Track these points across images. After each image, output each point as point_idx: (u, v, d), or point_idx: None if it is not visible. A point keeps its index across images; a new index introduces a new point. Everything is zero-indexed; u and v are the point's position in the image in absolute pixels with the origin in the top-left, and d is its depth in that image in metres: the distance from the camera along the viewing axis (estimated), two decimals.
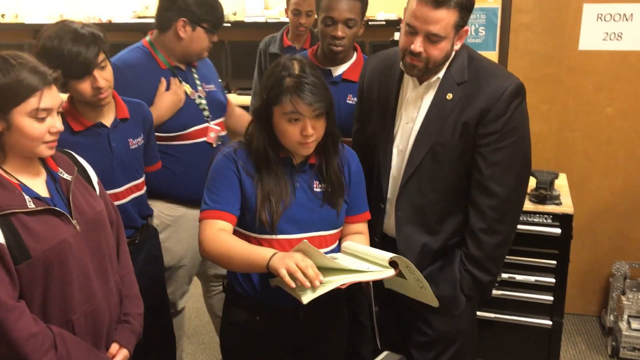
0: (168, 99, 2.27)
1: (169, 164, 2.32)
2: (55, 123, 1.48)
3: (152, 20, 4.98)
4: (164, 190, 2.35)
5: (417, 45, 1.72)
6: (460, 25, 1.73)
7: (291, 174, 1.73)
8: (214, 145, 2.35)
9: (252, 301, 1.75)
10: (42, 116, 1.44)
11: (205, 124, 2.36)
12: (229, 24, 4.70)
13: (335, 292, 1.62)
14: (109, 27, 4.89)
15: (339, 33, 2.18)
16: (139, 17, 4.93)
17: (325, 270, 1.56)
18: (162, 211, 2.38)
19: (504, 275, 2.51)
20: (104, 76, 1.86)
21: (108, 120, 1.99)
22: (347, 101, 2.28)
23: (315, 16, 3.65)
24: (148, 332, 2.20)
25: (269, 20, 4.70)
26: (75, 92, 1.88)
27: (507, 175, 1.80)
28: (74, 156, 1.68)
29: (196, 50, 2.32)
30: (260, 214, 1.67)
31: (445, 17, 1.68)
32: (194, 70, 2.40)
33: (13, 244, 1.40)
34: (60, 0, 5.06)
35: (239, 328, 1.79)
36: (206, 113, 2.37)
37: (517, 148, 1.81)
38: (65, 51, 1.78)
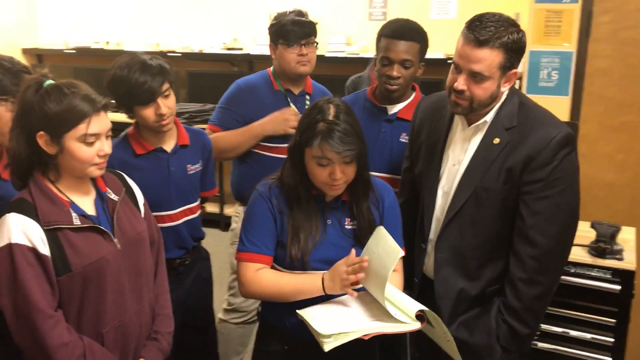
0: (274, 116, 2.50)
1: (261, 171, 2.46)
2: (104, 147, 1.58)
3: (240, 52, 5.24)
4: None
5: (460, 83, 1.73)
6: (506, 67, 1.72)
7: (323, 211, 1.76)
8: None
9: (281, 332, 1.79)
10: (90, 141, 1.54)
11: None
12: None
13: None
14: (200, 57, 5.19)
15: (395, 73, 2.22)
16: (228, 49, 5.18)
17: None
18: None
19: (557, 329, 2.39)
20: (167, 104, 1.99)
21: (169, 146, 2.12)
22: (400, 139, 2.30)
23: None
24: (193, 351, 2.29)
25: (349, 56, 4.81)
26: (140, 118, 2.02)
27: (550, 225, 1.75)
28: (123, 177, 1.80)
29: (285, 66, 2.52)
30: (290, 249, 1.71)
31: (488, 57, 1.69)
32: (307, 96, 2.61)
33: (57, 257, 1.51)
34: (158, 31, 5.43)
35: (269, 356, 1.84)
36: None
37: (563, 198, 1.75)
38: (133, 80, 1.93)
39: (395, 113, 2.32)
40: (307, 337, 1.73)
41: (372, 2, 5.00)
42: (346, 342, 1.58)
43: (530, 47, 3.09)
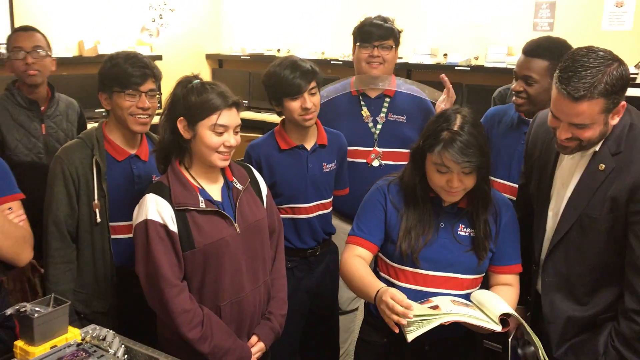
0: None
1: None
2: (230, 139, 1.79)
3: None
4: None
5: (563, 134, 1.67)
6: (610, 109, 1.62)
7: (438, 214, 1.82)
8: (373, 165, 2.59)
9: (382, 323, 1.87)
10: (219, 131, 1.77)
11: (371, 148, 2.58)
12: (468, 67, 4.83)
13: (472, 339, 1.76)
14: None
15: (517, 87, 2.21)
16: None
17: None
18: None
19: None
20: (312, 100, 2.20)
21: (309, 144, 2.32)
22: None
23: None
24: (317, 336, 2.45)
25: (509, 67, 4.69)
26: (287, 110, 2.23)
27: None
28: (250, 169, 2.00)
29: (357, 66, 2.61)
30: (401, 244, 1.80)
31: (587, 109, 1.60)
32: (387, 99, 2.64)
33: (183, 235, 1.74)
34: (324, 39, 5.74)
35: (370, 346, 1.94)
36: (375, 137, 2.59)
37: None
38: (283, 74, 2.17)
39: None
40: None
41: (539, 12, 4.83)
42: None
43: None
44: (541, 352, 1.64)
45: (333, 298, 2.55)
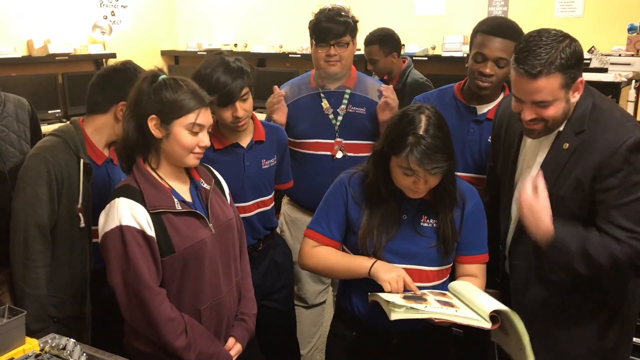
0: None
1: (293, 168, 2.55)
2: (204, 138, 1.71)
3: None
4: (288, 191, 2.61)
5: (527, 114, 1.68)
6: (569, 84, 1.65)
7: (400, 208, 1.80)
8: (337, 157, 2.56)
9: (351, 317, 1.86)
10: (195, 130, 1.68)
11: (332, 140, 2.55)
12: (425, 57, 4.85)
13: (441, 332, 1.74)
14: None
15: (488, 70, 2.15)
16: None
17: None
18: (286, 210, 2.65)
19: None
20: (244, 107, 2.09)
21: (245, 141, 2.23)
22: (489, 140, 2.26)
23: None
24: (273, 333, 2.38)
25: (465, 55, 4.72)
26: (218, 117, 2.13)
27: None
28: (211, 169, 1.93)
29: (315, 63, 2.56)
30: (363, 241, 1.78)
31: (546, 85, 1.62)
32: (347, 91, 2.59)
33: (161, 239, 1.64)
34: (281, 33, 5.69)
35: (340, 340, 1.92)
36: (336, 129, 2.56)
37: None
38: (214, 80, 2.03)
39: (485, 114, 2.27)
40: (376, 325, 1.79)
41: (493, 0, 4.88)
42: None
43: None
44: (528, 349, 1.59)
45: (286, 291, 2.48)
